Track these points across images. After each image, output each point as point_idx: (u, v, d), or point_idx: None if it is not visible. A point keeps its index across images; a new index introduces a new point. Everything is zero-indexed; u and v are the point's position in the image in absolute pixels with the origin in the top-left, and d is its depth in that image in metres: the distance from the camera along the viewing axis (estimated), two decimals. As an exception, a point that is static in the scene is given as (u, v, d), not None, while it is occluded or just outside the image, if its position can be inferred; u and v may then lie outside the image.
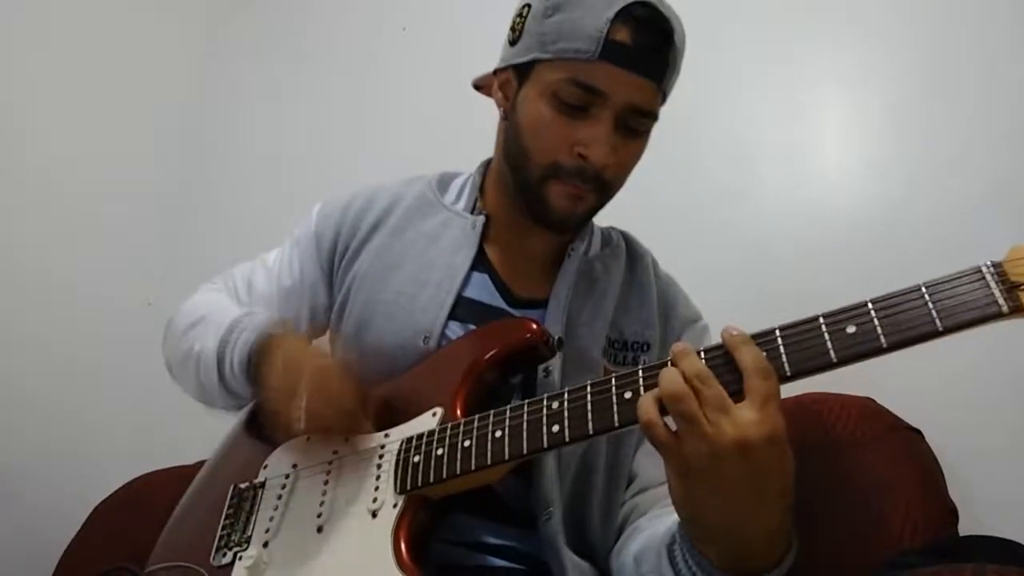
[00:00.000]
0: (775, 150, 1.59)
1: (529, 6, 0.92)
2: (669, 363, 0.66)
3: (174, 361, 1.05)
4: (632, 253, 1.06)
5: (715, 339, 0.68)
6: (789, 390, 1.25)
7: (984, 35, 1.46)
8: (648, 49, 0.86)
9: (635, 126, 0.90)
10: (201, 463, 1.13)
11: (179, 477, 1.50)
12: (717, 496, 0.62)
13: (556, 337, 0.90)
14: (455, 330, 0.93)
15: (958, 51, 1.47)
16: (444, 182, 1.08)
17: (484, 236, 0.99)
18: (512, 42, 0.94)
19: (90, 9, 2.09)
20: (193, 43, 2.38)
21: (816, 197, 1.52)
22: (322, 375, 0.84)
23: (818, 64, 1.61)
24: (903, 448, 1.16)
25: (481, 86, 1.03)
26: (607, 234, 1.08)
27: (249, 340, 0.91)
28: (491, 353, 0.87)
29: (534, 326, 0.87)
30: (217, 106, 2.36)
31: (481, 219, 1.00)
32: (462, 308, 0.94)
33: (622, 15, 0.84)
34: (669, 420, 0.64)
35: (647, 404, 0.64)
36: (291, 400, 0.82)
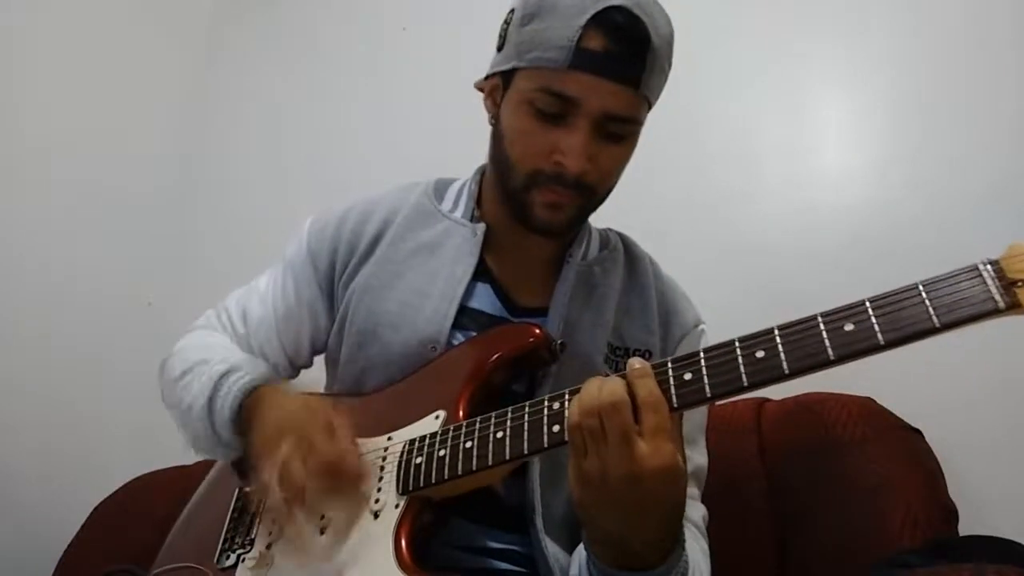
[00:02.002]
0: (776, 150, 1.59)
1: (512, 12, 0.92)
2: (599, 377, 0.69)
3: (170, 409, 1.02)
4: (631, 255, 1.06)
5: (713, 341, 0.69)
6: (789, 390, 1.26)
7: (984, 35, 1.46)
8: (621, 55, 0.84)
9: (614, 131, 0.89)
10: (201, 463, 1.14)
11: (179, 478, 1.50)
12: (606, 510, 0.68)
13: (559, 341, 0.90)
14: (460, 340, 0.93)
15: (958, 52, 1.47)
16: (440, 189, 1.07)
17: (484, 244, 0.99)
18: (499, 48, 0.94)
19: (91, 10, 2.09)
20: (193, 43, 2.38)
21: (817, 197, 1.53)
22: (303, 439, 0.80)
23: (819, 65, 1.61)
24: (903, 448, 1.16)
25: (482, 88, 1.03)
26: (604, 236, 1.08)
27: (234, 402, 0.89)
28: (495, 357, 0.87)
29: (537, 331, 0.88)
30: (217, 106, 2.36)
31: (482, 227, 0.99)
32: (465, 318, 0.94)
33: (595, 21, 0.83)
34: None
35: (575, 406, 0.68)
36: (270, 460, 0.79)
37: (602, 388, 0.67)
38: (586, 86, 0.85)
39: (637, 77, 0.86)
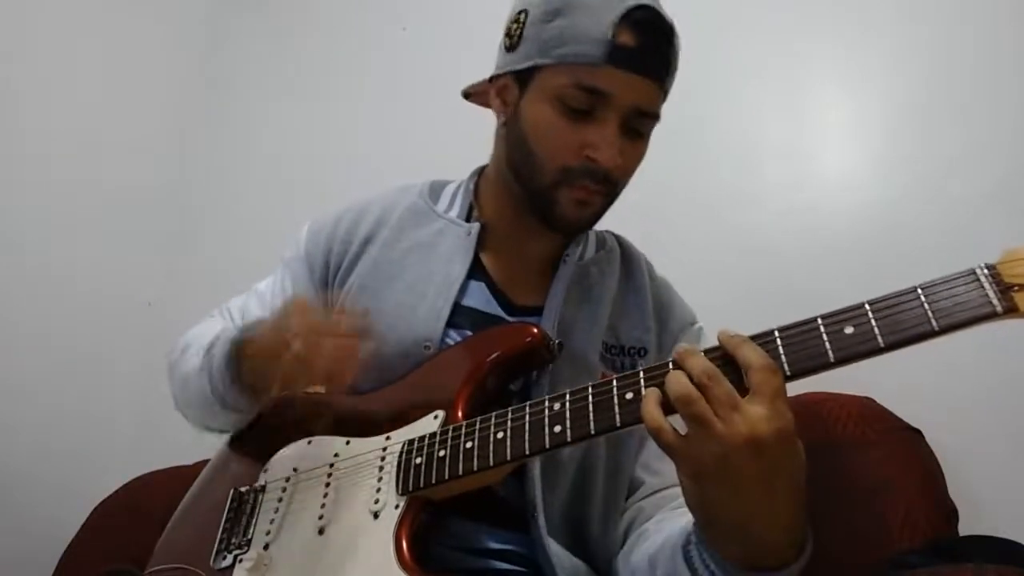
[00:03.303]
0: (777, 151, 1.59)
1: (526, 12, 0.92)
2: (671, 364, 0.66)
3: (177, 395, 1.03)
4: (627, 256, 1.06)
5: (712, 340, 0.68)
6: (790, 389, 1.26)
7: (985, 36, 1.46)
8: (651, 51, 0.87)
9: (639, 127, 0.91)
10: (201, 463, 1.13)
11: (179, 477, 1.50)
12: (731, 495, 0.62)
13: (556, 341, 0.90)
14: (455, 338, 0.93)
15: (959, 52, 1.47)
16: (435, 190, 1.08)
17: (479, 244, 0.99)
18: (509, 48, 0.94)
19: (90, 9, 2.09)
20: (192, 43, 2.38)
21: (818, 198, 1.53)
22: (306, 316, 0.83)
23: (820, 65, 1.61)
24: (903, 448, 1.16)
25: (472, 94, 1.02)
26: (601, 237, 1.08)
27: (227, 343, 0.91)
28: (493, 357, 0.87)
29: (535, 330, 0.88)
30: (216, 106, 2.36)
31: (476, 227, 1.00)
32: (460, 316, 0.94)
33: (624, 19, 0.85)
34: (675, 422, 0.64)
35: (652, 409, 0.64)
36: (277, 346, 0.82)
37: (693, 367, 0.63)
38: (619, 81, 0.86)
39: (663, 72, 0.89)
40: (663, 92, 0.91)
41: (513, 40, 0.93)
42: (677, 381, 0.63)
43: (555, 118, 0.89)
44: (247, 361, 0.89)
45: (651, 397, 0.65)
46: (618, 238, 1.10)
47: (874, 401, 1.22)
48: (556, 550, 0.86)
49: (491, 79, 0.98)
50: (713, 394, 0.61)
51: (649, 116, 0.91)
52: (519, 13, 0.94)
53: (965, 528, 1.10)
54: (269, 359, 0.83)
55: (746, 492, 0.62)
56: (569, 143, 0.89)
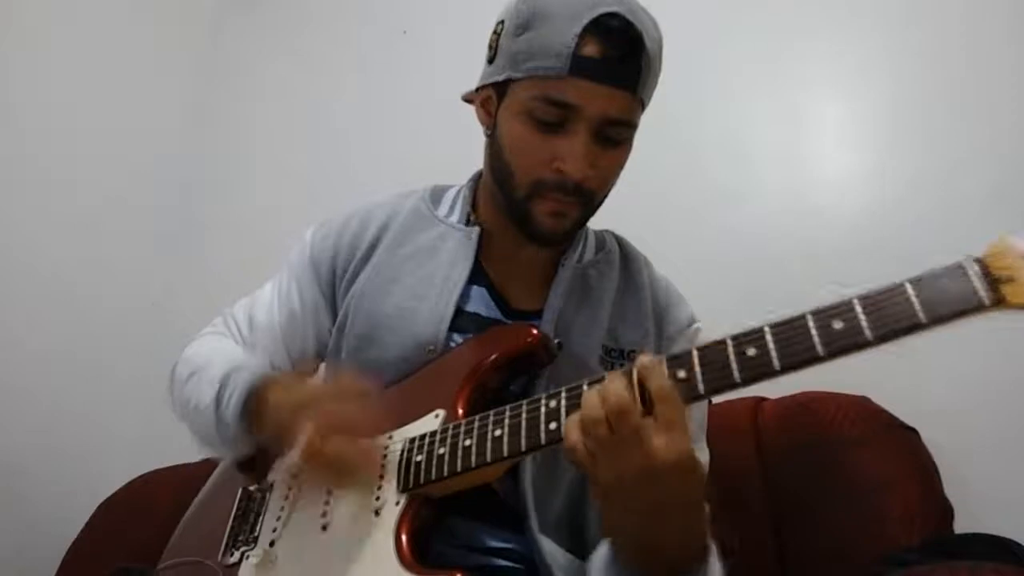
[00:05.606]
0: (775, 152, 1.60)
1: (503, 23, 0.93)
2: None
3: (178, 413, 1.03)
4: (626, 257, 1.06)
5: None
6: (787, 389, 1.27)
7: (984, 37, 1.46)
8: (618, 59, 0.85)
9: (613, 136, 0.89)
10: (204, 462, 1.15)
11: (182, 476, 1.51)
12: (629, 514, 0.69)
13: (556, 342, 0.91)
14: (457, 342, 0.94)
15: (958, 53, 1.48)
16: (436, 195, 1.09)
17: (479, 248, 1.00)
18: (489, 60, 0.95)
19: (91, 9, 2.10)
20: (194, 43, 2.39)
21: (815, 199, 1.53)
22: (324, 403, 0.83)
23: (818, 66, 1.61)
24: (899, 447, 1.17)
25: (471, 100, 1.03)
26: (600, 238, 1.08)
27: (240, 396, 0.90)
28: (493, 357, 0.88)
29: (534, 331, 0.89)
30: (218, 108, 2.37)
31: (476, 231, 1.00)
32: (462, 320, 0.95)
33: (589, 28, 0.84)
34: None
35: (571, 427, 0.69)
36: (294, 436, 0.81)
37: (606, 396, 0.66)
38: (585, 92, 0.86)
39: (634, 81, 0.87)
40: (638, 99, 0.89)
41: (492, 52, 0.94)
42: (589, 404, 0.67)
43: (526, 132, 0.89)
44: (262, 418, 0.88)
45: (573, 416, 0.70)
46: (618, 239, 1.10)
47: (870, 400, 1.23)
48: (549, 548, 0.87)
49: (476, 90, 0.99)
50: (618, 428, 0.65)
51: (622, 124, 0.89)
52: (498, 24, 0.94)
53: (961, 526, 1.11)
54: (285, 431, 0.83)
55: (640, 513, 0.68)
56: (540, 156, 0.89)
